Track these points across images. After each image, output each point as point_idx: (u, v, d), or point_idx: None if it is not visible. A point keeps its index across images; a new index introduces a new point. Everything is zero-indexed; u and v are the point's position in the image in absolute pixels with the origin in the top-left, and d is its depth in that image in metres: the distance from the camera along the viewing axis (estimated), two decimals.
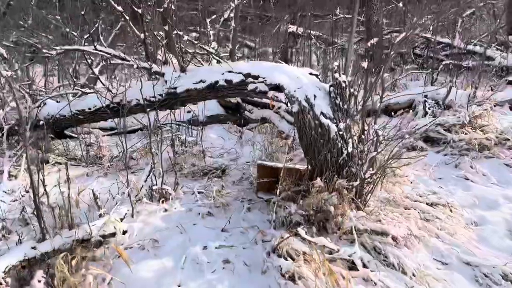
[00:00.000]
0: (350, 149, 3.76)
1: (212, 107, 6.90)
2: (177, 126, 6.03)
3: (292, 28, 12.76)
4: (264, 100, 6.36)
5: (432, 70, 8.07)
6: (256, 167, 4.68)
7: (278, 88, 3.74)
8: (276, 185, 4.24)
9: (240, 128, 6.33)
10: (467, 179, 4.77)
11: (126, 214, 3.80)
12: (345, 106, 3.77)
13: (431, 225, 3.64)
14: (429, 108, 6.25)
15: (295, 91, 3.66)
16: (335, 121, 3.71)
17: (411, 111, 6.71)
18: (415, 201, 3.96)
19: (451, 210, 4.01)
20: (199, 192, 4.24)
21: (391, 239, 3.25)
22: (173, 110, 5.47)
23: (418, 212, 3.71)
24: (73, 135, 6.05)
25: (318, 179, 3.60)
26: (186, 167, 4.92)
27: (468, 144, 5.35)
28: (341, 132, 3.71)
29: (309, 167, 3.89)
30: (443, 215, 3.84)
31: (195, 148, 5.43)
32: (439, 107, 6.71)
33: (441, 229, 3.63)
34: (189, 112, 6.64)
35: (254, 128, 6.53)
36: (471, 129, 5.61)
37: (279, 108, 5.95)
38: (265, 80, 3.78)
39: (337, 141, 3.70)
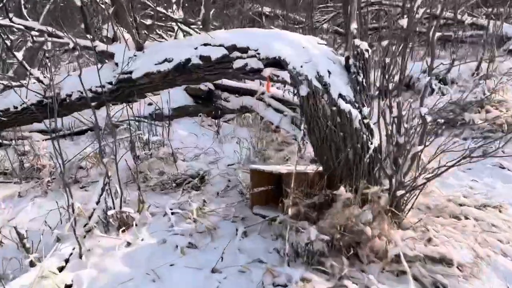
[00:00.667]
0: (377, 143, 2.81)
1: (178, 97, 5.76)
2: (136, 124, 4.87)
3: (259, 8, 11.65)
4: (244, 85, 5.32)
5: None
6: (246, 172, 3.66)
7: (277, 63, 2.71)
8: (276, 194, 3.26)
9: (215, 120, 5.26)
10: (503, 167, 3.96)
11: (71, 255, 2.70)
12: (368, 84, 2.80)
13: (491, 238, 2.76)
14: (435, 85, 5.42)
15: (301, 66, 2.65)
16: (357, 105, 2.73)
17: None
18: (460, 204, 3.07)
19: (500, 211, 3.17)
20: (173, 213, 3.17)
21: (456, 269, 2.34)
22: (129, 103, 4.34)
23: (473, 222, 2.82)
24: (3, 141, 4.78)
25: (342, 187, 2.62)
26: (152, 176, 3.83)
27: (492, 124, 4.55)
28: (366, 120, 2.75)
29: (323, 170, 2.92)
30: (499, 221, 2.98)
31: (161, 150, 4.31)
32: (442, 83, 5.94)
33: (504, 241, 2.76)
34: (150, 104, 5.49)
35: (232, 119, 5.47)
36: (491, 106, 4.81)
37: (262, 94, 4.93)
38: (258, 53, 2.73)
39: (361, 133, 2.74)
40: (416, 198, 2.68)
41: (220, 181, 3.76)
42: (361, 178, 2.80)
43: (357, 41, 2.69)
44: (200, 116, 5.35)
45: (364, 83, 2.76)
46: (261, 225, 3.01)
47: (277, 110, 4.73)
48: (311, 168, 3.21)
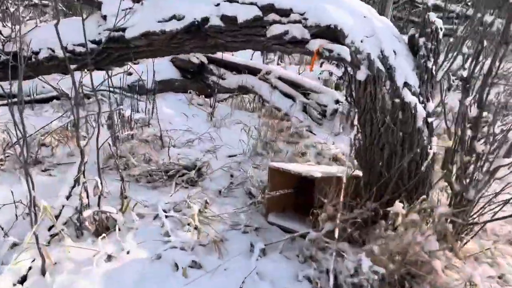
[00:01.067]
0: (435, 148, 2.26)
1: (163, 67, 5.00)
2: (115, 96, 4.10)
3: None
4: (245, 61, 4.62)
5: None
6: (257, 168, 3.05)
7: (330, 34, 2.07)
8: (296, 200, 2.68)
9: (207, 99, 4.56)
10: None
11: (29, 270, 2.01)
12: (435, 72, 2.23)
13: None
14: (453, 81, 4.94)
15: (362, 41, 2.03)
16: (421, 98, 2.16)
17: None
18: None
19: None
20: (167, 216, 2.50)
21: None
22: (111, 71, 3.58)
23: None
24: None
25: (398, 203, 2.05)
26: (136, 163, 3.11)
27: None
28: (430, 119, 2.18)
29: (365, 176, 2.34)
30: None
31: (146, 131, 3.60)
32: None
33: None
34: (130, 74, 4.70)
35: (225, 100, 4.79)
36: None
37: (267, 73, 4.27)
38: (305, 19, 2.08)
39: (423, 135, 2.18)
40: (485, 224, 2.15)
41: (221, 176, 3.11)
42: (416, 191, 2.26)
43: (432, 15, 2.09)
44: (190, 93, 4.63)
45: (433, 70, 2.17)
46: (280, 238, 2.41)
47: (285, 95, 4.11)
48: (341, 171, 2.63)
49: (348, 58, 1.92)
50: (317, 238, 2.18)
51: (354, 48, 1.98)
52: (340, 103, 3.79)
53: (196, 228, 2.39)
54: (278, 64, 6.21)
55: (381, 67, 2.02)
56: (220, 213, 2.61)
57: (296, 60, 7.30)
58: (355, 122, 2.04)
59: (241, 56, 5.52)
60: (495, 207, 2.07)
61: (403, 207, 2.07)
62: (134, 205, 2.55)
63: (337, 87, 4.10)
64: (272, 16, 2.11)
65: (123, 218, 2.41)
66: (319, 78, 4.19)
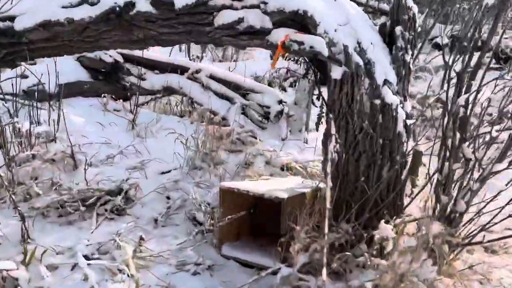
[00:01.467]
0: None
1: (68, 68, 4.26)
2: (5, 105, 3.32)
3: None
4: (169, 58, 4.06)
5: None
6: (198, 187, 2.59)
7: (298, 21, 1.65)
8: (251, 223, 2.28)
9: (126, 103, 3.93)
10: None
11: None
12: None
13: None
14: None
15: (336, 30, 1.65)
16: (399, 97, 1.86)
17: None
18: None
19: None
20: (89, 264, 1.92)
21: None
22: None
23: None
24: None
25: (384, 224, 1.73)
26: (40, 192, 2.45)
27: None
28: (409, 122, 1.90)
29: (339, 191, 1.99)
30: None
31: (51, 149, 2.92)
32: None
33: None
34: (25, 77, 3.90)
35: (148, 103, 4.20)
36: None
37: (197, 72, 3.77)
38: (265, 2, 1.64)
39: (403, 140, 1.89)
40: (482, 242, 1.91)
41: (154, 199, 2.57)
42: (394, 205, 1.97)
43: (409, 1, 1.80)
44: (104, 96, 3.96)
45: (410, 64, 1.88)
46: (240, 276, 1.97)
47: (221, 96, 3.64)
48: (302, 185, 2.28)
49: (325, 53, 1.54)
50: (291, 275, 1.78)
51: (328, 40, 1.60)
52: (283, 103, 3.43)
53: (132, 276, 1.85)
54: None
55: (360, 62, 1.67)
56: (161, 250, 2.09)
57: (220, 56, 6.85)
58: (333, 131, 1.67)
59: (160, 52, 4.95)
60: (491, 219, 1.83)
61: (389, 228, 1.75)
62: (42, 253, 1.93)
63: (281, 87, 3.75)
64: (221, 0, 1.64)
65: (27, 274, 1.79)
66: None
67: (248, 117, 3.40)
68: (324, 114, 1.86)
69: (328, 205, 1.63)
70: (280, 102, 3.45)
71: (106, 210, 2.40)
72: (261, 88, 3.52)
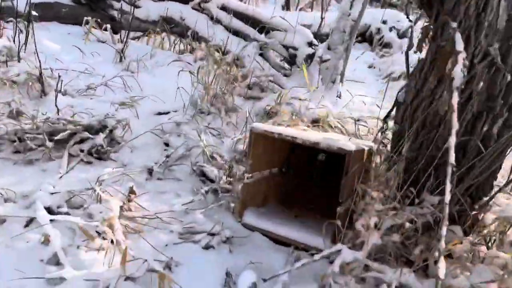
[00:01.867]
0: None
1: None
2: None
3: None
4: None
5: None
6: (210, 134, 2.00)
7: None
8: (281, 184, 1.73)
9: (116, 35, 3.24)
10: None
11: None
12: None
13: None
14: None
15: None
16: None
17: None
18: None
19: None
20: (52, 218, 1.30)
21: None
22: None
23: None
24: None
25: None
26: None
27: None
28: None
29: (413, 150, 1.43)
30: None
31: (15, 68, 2.25)
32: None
33: None
34: None
35: (140, 37, 3.51)
36: None
37: (206, 1, 3.10)
38: None
39: None
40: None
41: (149, 144, 1.96)
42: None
43: None
44: (86, 25, 3.25)
45: None
46: (268, 255, 1.41)
47: (233, 33, 2.98)
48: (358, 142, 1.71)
49: None
50: (356, 260, 1.22)
51: None
52: (314, 46, 2.79)
53: (116, 243, 1.26)
54: None
55: None
56: (158, 211, 1.49)
57: None
58: (460, 46, 1.09)
59: None
60: None
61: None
62: None
63: None
64: None
65: None
66: None
67: (266, 59, 2.76)
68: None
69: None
70: (311, 44, 2.81)
71: (82, 151, 1.79)
72: (285, 25, 2.86)
